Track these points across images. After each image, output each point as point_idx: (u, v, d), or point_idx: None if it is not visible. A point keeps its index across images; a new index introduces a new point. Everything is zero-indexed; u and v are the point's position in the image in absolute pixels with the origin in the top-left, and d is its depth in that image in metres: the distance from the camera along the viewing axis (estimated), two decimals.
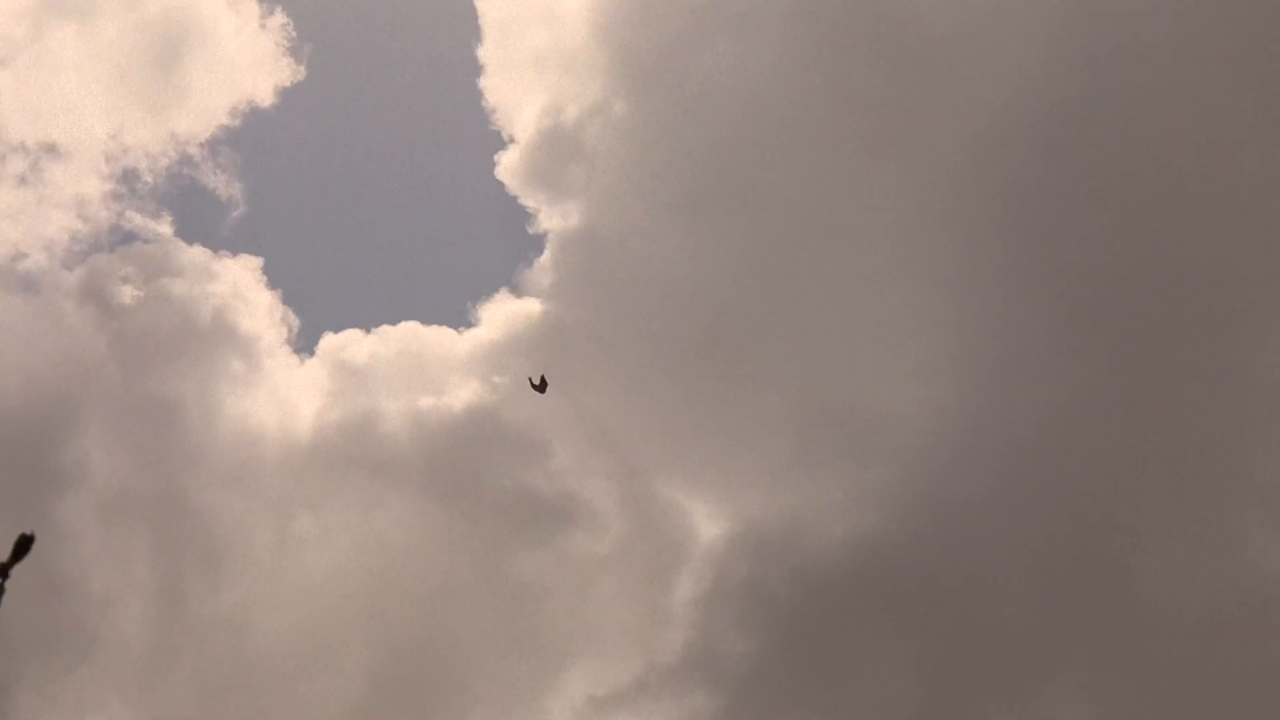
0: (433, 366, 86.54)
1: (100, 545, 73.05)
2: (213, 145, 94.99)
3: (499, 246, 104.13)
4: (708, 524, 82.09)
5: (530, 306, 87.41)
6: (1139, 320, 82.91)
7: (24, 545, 32.45)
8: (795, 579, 79.47)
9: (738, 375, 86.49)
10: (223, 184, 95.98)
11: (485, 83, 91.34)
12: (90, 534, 72.87)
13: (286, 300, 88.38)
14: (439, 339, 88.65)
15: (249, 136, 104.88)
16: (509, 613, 76.26)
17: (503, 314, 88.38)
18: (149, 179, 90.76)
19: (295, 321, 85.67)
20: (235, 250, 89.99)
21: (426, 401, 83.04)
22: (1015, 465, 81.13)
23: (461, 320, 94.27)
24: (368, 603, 75.14)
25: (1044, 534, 79.87)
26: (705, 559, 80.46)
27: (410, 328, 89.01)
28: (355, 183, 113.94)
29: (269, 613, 74.10)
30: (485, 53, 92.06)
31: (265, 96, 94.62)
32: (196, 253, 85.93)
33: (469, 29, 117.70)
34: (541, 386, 70.55)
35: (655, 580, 78.48)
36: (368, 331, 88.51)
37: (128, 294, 79.44)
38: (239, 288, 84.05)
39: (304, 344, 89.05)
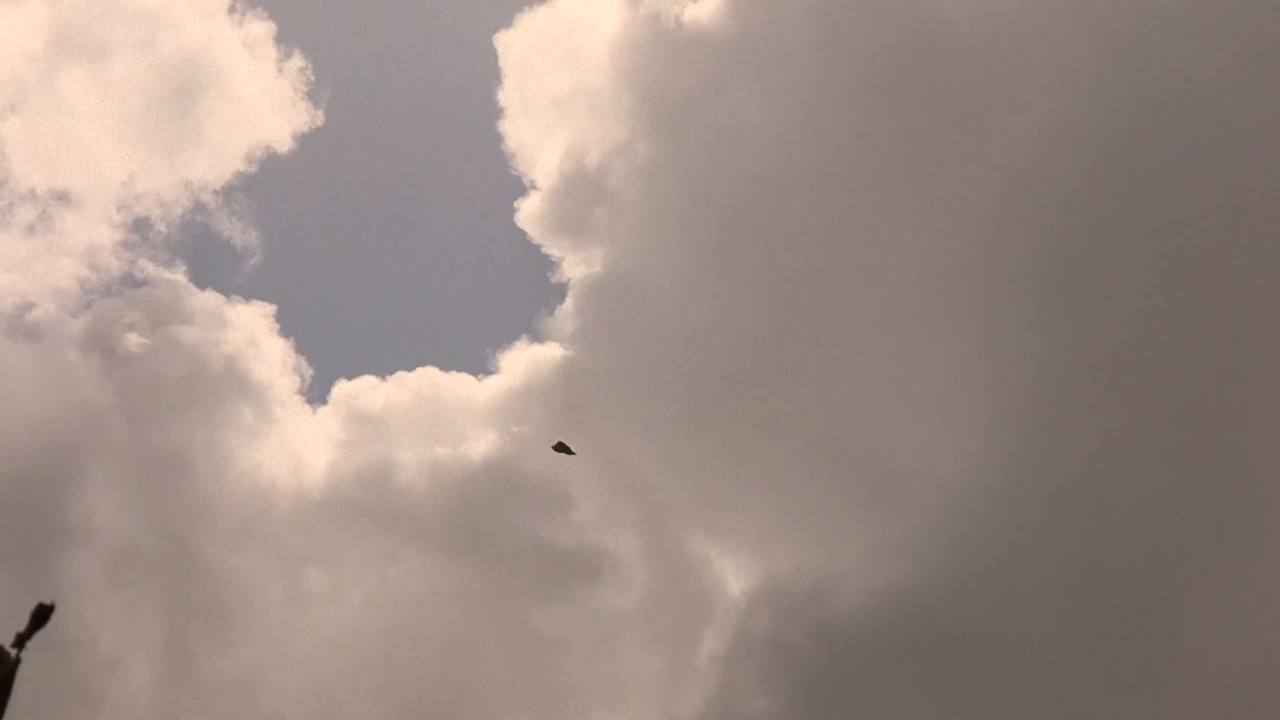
0: (450, 414, 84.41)
1: (107, 603, 70.84)
2: (228, 192, 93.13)
3: (520, 293, 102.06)
4: (734, 577, 79.57)
5: (552, 353, 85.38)
6: (1183, 365, 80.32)
7: (43, 615, 30.18)
8: (820, 634, 76.75)
9: (763, 422, 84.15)
10: (238, 232, 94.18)
11: (505, 126, 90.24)
12: (96, 591, 70.72)
13: (300, 349, 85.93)
14: (457, 385, 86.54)
15: (265, 183, 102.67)
16: (528, 671, 74.00)
17: (523, 360, 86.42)
18: (162, 227, 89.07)
19: (309, 371, 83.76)
20: (248, 296, 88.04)
21: (444, 451, 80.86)
22: (1052, 517, 78.93)
23: (480, 368, 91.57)
24: (382, 661, 72.71)
25: (1083, 589, 77.23)
26: (730, 613, 78.00)
27: (427, 374, 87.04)
28: (372, 229, 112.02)
29: (280, 672, 71.66)
30: (505, 95, 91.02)
31: (283, 142, 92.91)
32: (208, 298, 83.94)
33: (489, 71, 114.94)
34: (563, 448, 68.16)
35: (679, 636, 76.14)
36: (383, 378, 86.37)
37: (134, 341, 77.06)
38: (251, 335, 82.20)
39: (317, 393, 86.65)
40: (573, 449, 69.38)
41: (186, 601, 71.78)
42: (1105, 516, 78.11)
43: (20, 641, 30.32)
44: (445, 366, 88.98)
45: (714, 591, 77.70)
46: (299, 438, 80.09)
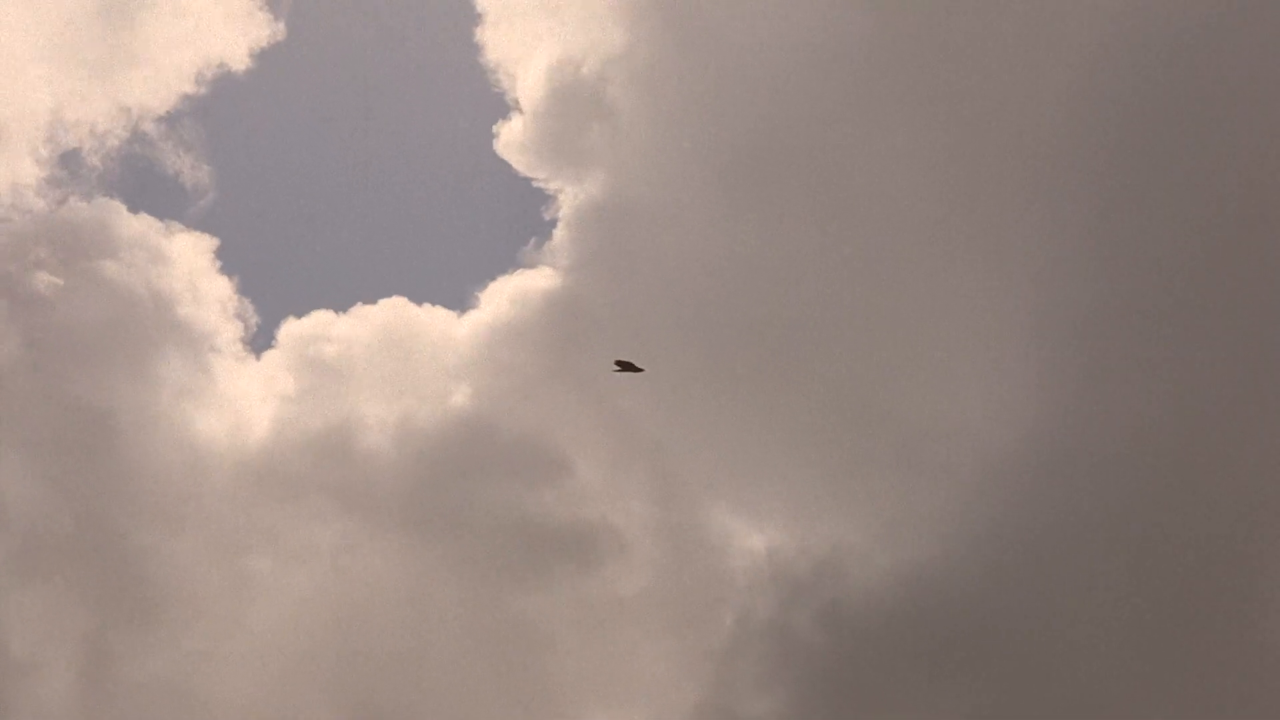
0: (423, 358, 74.71)
1: (15, 595, 62.40)
2: (173, 119, 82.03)
3: (503, 223, 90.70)
4: (747, 555, 70.96)
5: (543, 283, 75.74)
6: (1253, 320, 71.72)
7: None
8: (830, 622, 69.89)
9: (779, 372, 76.18)
10: (186, 166, 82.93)
11: (484, 35, 79.08)
12: (2, 582, 62.14)
13: (245, 290, 75.54)
14: (431, 321, 76.59)
15: (217, 108, 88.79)
16: (510, 668, 65.63)
17: (509, 292, 76.44)
18: (95, 161, 78.31)
19: (254, 317, 73.76)
20: (191, 225, 77.42)
21: (414, 405, 71.62)
22: (1102, 490, 70.92)
23: (458, 303, 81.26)
24: (336, 659, 64.47)
25: (1145, 571, 69.40)
26: (740, 596, 69.57)
27: (395, 307, 76.79)
28: (334, 159, 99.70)
29: (216, 673, 63.41)
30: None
31: (238, 59, 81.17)
32: (137, 225, 73.65)
33: None
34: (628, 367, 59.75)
35: (689, 623, 68.00)
36: (341, 313, 76.01)
37: (44, 281, 67.15)
38: (189, 273, 72.75)
39: (263, 341, 76.08)
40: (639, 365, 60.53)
41: (109, 592, 63.79)
42: (1172, 486, 70.20)
43: None
44: (417, 299, 78.62)
45: (729, 572, 69.52)
46: (240, 394, 71.05)
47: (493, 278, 77.37)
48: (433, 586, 65.36)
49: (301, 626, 64.19)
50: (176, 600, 63.58)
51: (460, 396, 71.69)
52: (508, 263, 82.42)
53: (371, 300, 76.97)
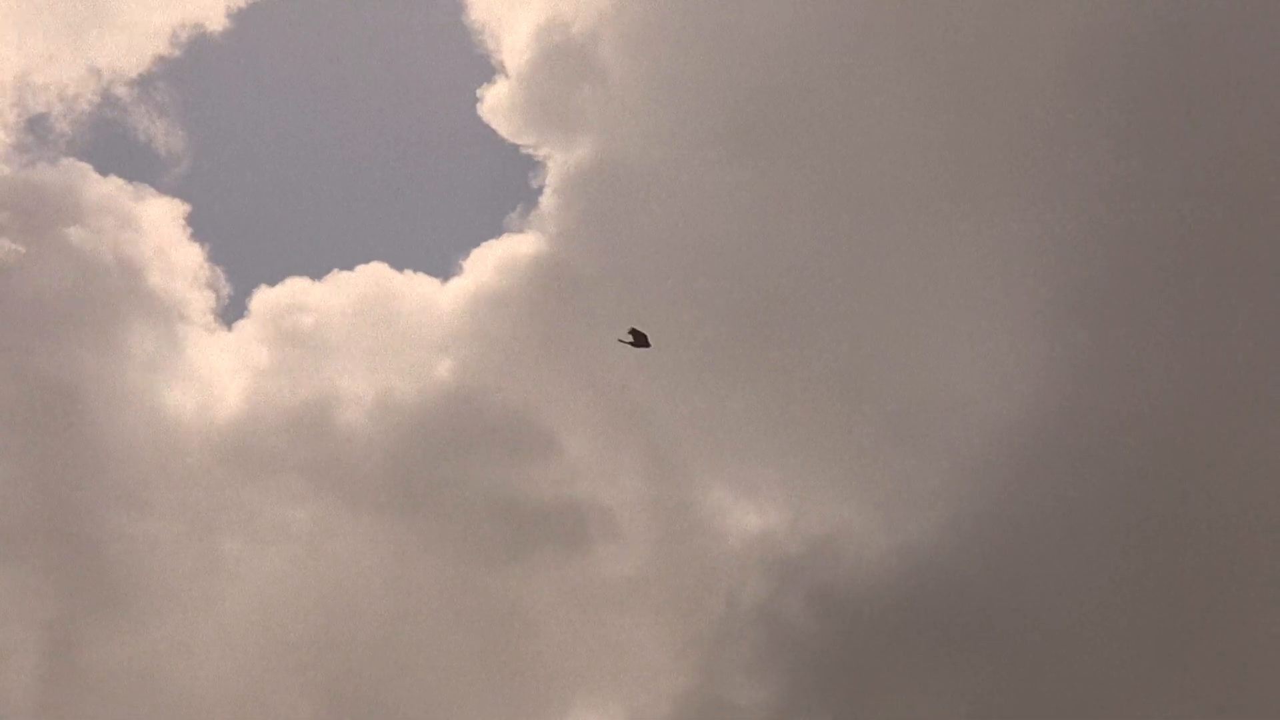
0: (405, 328, 71.59)
1: None
2: (147, 82, 78.30)
3: (487, 189, 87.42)
4: (738, 535, 68.34)
5: (530, 251, 72.59)
6: (1272, 293, 68.58)
7: None
8: (823, 605, 67.14)
9: (771, 344, 73.45)
10: (161, 131, 79.17)
11: None
12: None
13: (216, 258, 72.45)
14: (413, 289, 73.40)
15: (193, 70, 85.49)
16: (493, 655, 62.90)
17: (495, 259, 73.28)
18: (64, 126, 74.83)
19: (226, 287, 70.52)
20: (163, 191, 74.27)
21: (394, 377, 68.69)
22: (1108, 468, 68.09)
23: (440, 270, 78.14)
24: (313, 647, 61.72)
25: (1141, 554, 66.25)
26: (729, 579, 66.66)
27: (375, 274, 73.50)
28: (313, 121, 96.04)
29: (186, 660, 60.58)
30: None
31: (214, 20, 78.13)
32: (105, 188, 70.36)
33: None
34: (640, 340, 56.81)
35: (679, 607, 65.43)
36: (317, 280, 72.80)
37: (4, 248, 63.80)
38: (158, 240, 69.51)
39: (235, 311, 72.96)
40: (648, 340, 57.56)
41: (73, 576, 60.74)
42: (1182, 466, 66.99)
43: None
44: (398, 265, 75.43)
45: (722, 554, 67.06)
46: (211, 367, 67.83)
47: (476, 244, 75.00)
48: (413, 569, 62.80)
49: (276, 612, 61.47)
50: (145, 585, 60.81)
51: (443, 369, 68.93)
52: (492, 229, 79.67)
53: (349, 267, 74.35)
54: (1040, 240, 71.15)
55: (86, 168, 71.75)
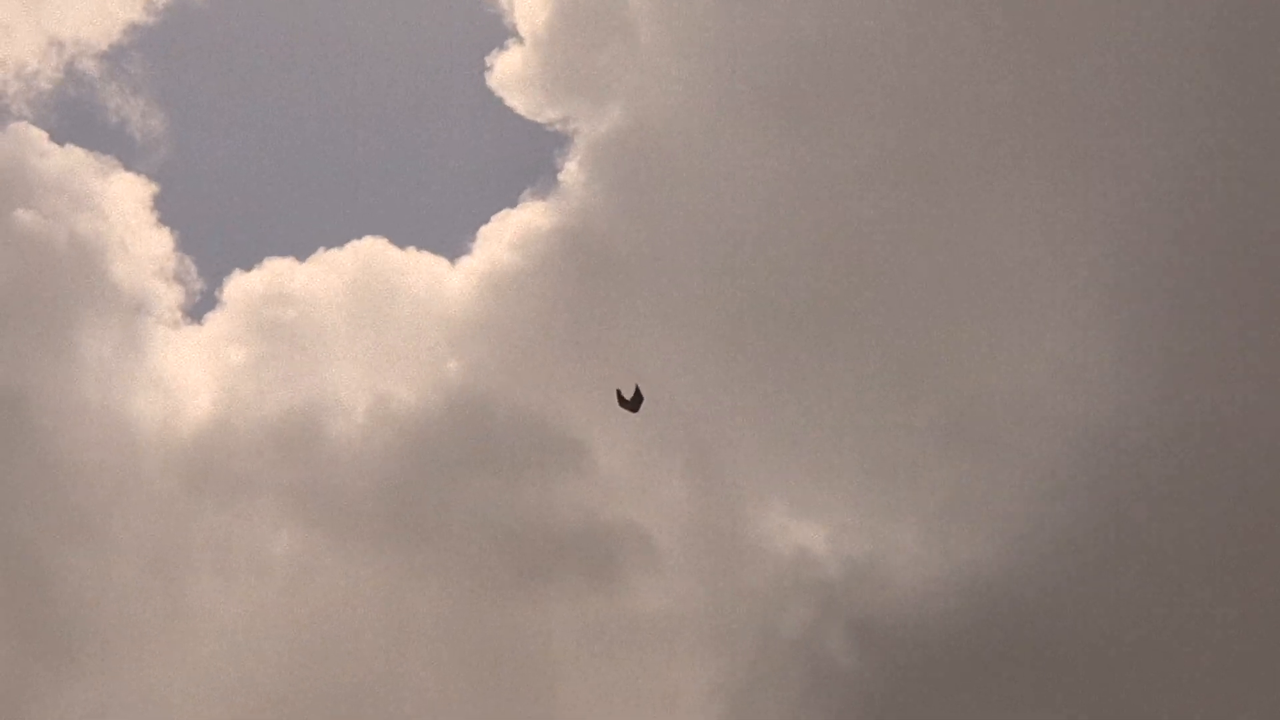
0: (404, 319, 64.88)
1: None
2: (116, 55, 72.26)
3: (498, 165, 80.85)
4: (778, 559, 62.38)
5: (550, 223, 65.86)
6: None
7: None
8: (865, 637, 61.88)
9: (816, 337, 68.71)
10: (136, 111, 72.92)
11: None
12: None
13: (186, 246, 66.14)
14: (415, 272, 66.72)
15: (168, 41, 79.50)
16: (503, 703, 56.36)
17: (510, 235, 66.42)
18: (22, 105, 68.98)
19: (197, 282, 64.30)
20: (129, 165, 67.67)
21: (393, 378, 61.94)
22: (1197, 480, 62.60)
23: (447, 248, 71.94)
24: (297, 697, 55.22)
25: (1236, 576, 60.79)
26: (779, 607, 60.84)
27: (369, 252, 66.53)
28: (302, 92, 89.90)
29: (149, 718, 54.31)
30: None
31: None
32: (64, 160, 63.67)
33: None
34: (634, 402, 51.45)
35: (718, 642, 59.09)
36: (302, 260, 65.98)
37: None
38: (120, 227, 62.92)
39: (207, 303, 66.54)
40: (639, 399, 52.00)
41: (19, 619, 54.55)
42: None
43: None
44: (400, 242, 68.36)
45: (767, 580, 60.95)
46: (177, 370, 61.37)
47: (487, 219, 68.10)
48: (413, 608, 56.53)
49: (252, 659, 55.16)
50: (100, 629, 54.73)
51: (450, 368, 62.37)
52: (507, 200, 73.15)
53: (339, 245, 67.20)
54: (1121, 219, 65.96)
55: (40, 135, 65.18)
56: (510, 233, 66.26)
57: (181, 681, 54.42)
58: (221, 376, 61.69)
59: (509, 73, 65.47)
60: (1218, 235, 66.21)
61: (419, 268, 66.92)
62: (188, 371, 61.88)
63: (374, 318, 64.64)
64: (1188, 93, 66.74)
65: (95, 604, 54.74)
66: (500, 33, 69.49)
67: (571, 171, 66.10)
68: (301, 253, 67.93)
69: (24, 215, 60.63)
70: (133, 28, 72.14)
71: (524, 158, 71.72)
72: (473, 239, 67.94)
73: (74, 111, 73.55)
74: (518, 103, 66.29)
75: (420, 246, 68.46)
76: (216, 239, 76.99)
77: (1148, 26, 66.72)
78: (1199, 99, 66.81)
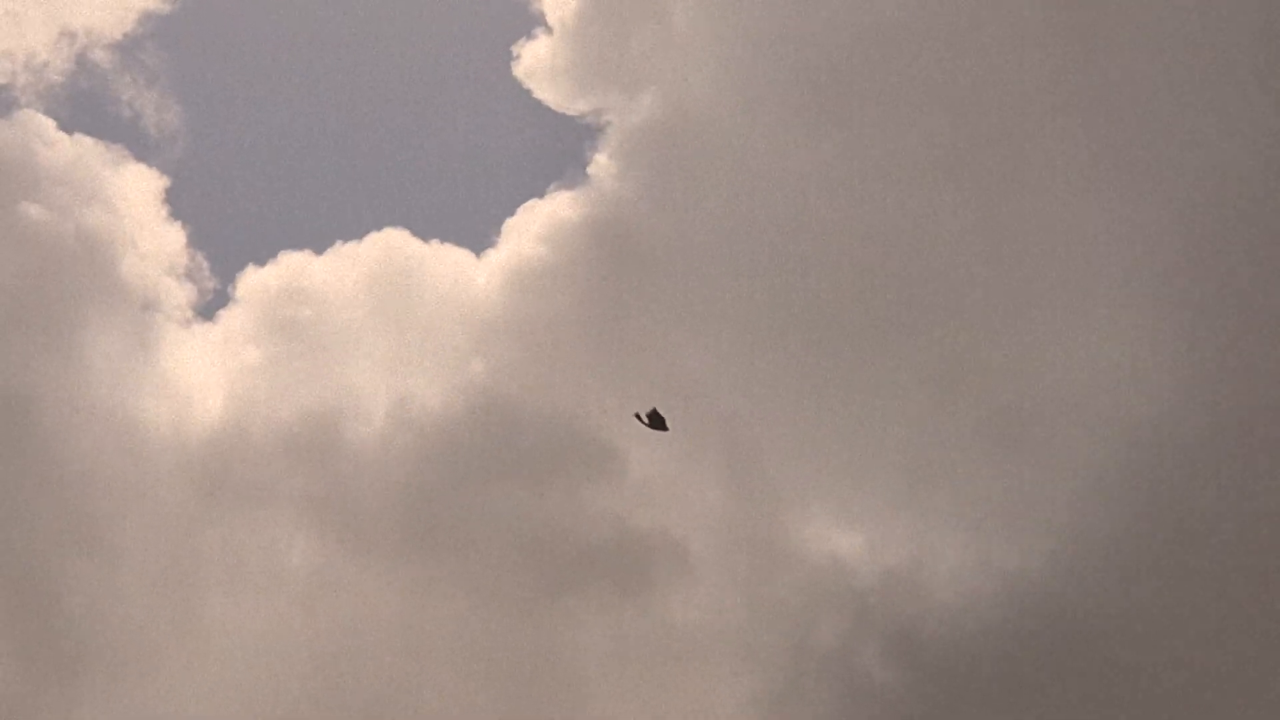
0: (428, 315, 62.55)
1: None
2: (130, 46, 70.17)
3: (524, 158, 79.19)
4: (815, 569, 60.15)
5: (581, 215, 63.76)
6: None
7: None
8: (901, 652, 60.13)
9: (854, 340, 66.39)
10: (151, 104, 70.70)
11: None
12: None
13: (198, 241, 64.04)
14: (438, 265, 64.43)
15: (182, 32, 77.65)
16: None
17: (539, 227, 64.31)
18: (31, 98, 66.95)
19: (210, 281, 62.21)
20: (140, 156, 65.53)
21: (415, 379, 59.67)
22: (1262, 482, 60.53)
23: (472, 242, 70.17)
24: (311, 717, 53.41)
25: None
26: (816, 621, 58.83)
27: (390, 244, 64.24)
28: (320, 85, 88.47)
29: None
30: None
31: None
32: (76, 151, 61.47)
33: None
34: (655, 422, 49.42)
35: (756, 657, 57.18)
36: (319, 254, 63.67)
37: None
38: (130, 223, 60.82)
39: (219, 300, 64.67)
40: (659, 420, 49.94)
41: (23, 636, 52.47)
42: None
43: None
44: (423, 234, 66.06)
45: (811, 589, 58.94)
46: (189, 370, 59.24)
47: (512, 212, 66.03)
48: (436, 622, 54.48)
49: (268, 677, 53.25)
50: (110, 646, 52.78)
51: (475, 368, 60.00)
52: (535, 190, 71.17)
53: (357, 237, 65.05)
54: (1180, 211, 64.01)
55: (48, 122, 63.21)
56: (538, 224, 64.22)
57: (193, 699, 52.37)
58: (234, 377, 59.64)
59: (536, 63, 63.83)
60: (1273, 231, 64.81)
61: (442, 261, 64.86)
62: (199, 372, 59.96)
63: (394, 314, 62.44)
64: (1232, 85, 65.25)
65: (102, 617, 52.79)
66: (528, 20, 67.67)
67: (601, 163, 64.26)
68: (318, 245, 66.03)
69: (29, 208, 58.70)
70: (147, 16, 70.26)
71: (551, 149, 69.99)
72: (498, 231, 65.88)
73: (85, 103, 72.01)
74: (546, 95, 64.49)
75: (444, 239, 66.51)
76: (230, 233, 75.34)
77: (1201, 17, 65.01)
78: (1244, 91, 65.27)
